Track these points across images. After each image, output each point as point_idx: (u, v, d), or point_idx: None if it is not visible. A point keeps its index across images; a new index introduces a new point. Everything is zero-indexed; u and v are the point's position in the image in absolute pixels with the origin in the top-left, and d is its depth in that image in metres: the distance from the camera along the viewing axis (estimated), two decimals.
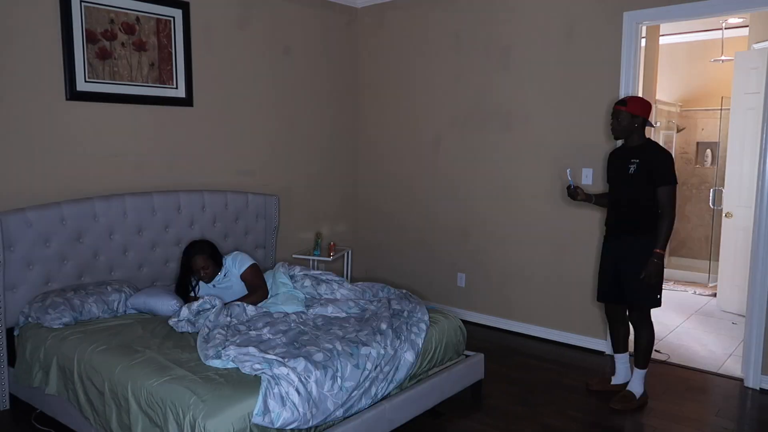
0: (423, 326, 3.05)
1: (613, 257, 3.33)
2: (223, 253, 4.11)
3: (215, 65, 4.17)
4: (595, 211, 4.04)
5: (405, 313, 3.17)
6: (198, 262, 3.41)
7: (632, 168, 3.18)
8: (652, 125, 3.35)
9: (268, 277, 3.61)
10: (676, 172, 3.19)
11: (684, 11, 3.61)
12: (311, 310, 3.27)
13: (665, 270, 6.37)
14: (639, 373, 3.32)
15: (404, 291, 3.54)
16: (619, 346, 3.48)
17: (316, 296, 3.50)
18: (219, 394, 2.27)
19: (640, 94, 4.23)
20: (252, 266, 3.52)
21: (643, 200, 3.17)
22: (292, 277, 3.64)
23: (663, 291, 3.28)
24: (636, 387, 3.31)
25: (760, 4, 3.43)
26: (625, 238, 3.27)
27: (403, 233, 5.15)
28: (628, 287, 3.25)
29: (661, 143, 6.39)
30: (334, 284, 3.59)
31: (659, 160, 3.14)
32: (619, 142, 3.47)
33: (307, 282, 3.58)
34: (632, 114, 3.17)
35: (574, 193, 3.43)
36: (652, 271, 3.11)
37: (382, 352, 2.76)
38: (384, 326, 2.97)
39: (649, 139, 3.27)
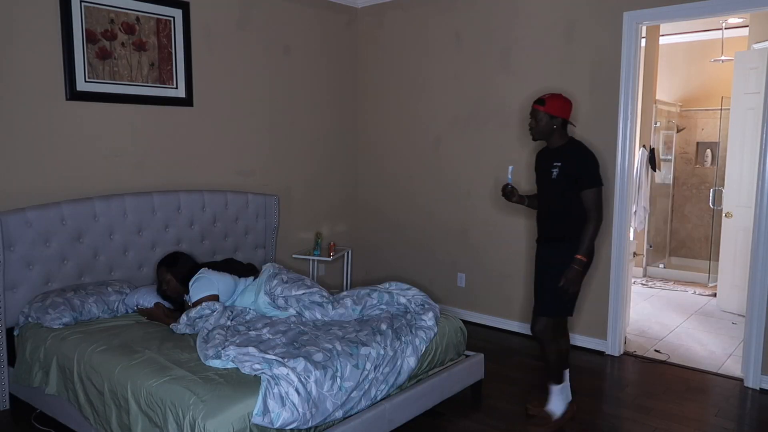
0: (431, 334, 3.04)
1: (539, 265, 3.08)
2: (226, 253, 4.13)
3: (215, 65, 4.17)
4: None
5: (408, 315, 3.17)
6: (158, 272, 3.36)
7: (555, 172, 2.95)
8: (573, 125, 3.11)
9: (250, 295, 3.32)
10: (604, 174, 3.01)
11: (684, 11, 3.61)
12: (307, 313, 3.24)
13: (665, 270, 6.45)
14: (554, 390, 3.05)
15: (410, 300, 3.30)
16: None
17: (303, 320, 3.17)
18: (219, 394, 2.27)
19: (640, 94, 4.23)
20: (199, 300, 3.18)
21: (568, 205, 2.93)
22: (273, 299, 3.25)
23: (576, 300, 3.03)
24: (554, 406, 3.05)
25: (760, 4, 3.43)
26: (552, 244, 3.01)
27: (403, 233, 5.15)
28: (542, 292, 3.02)
29: (661, 143, 6.48)
30: (317, 311, 3.18)
31: (581, 163, 2.91)
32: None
33: (292, 311, 3.20)
34: (551, 114, 2.93)
35: (510, 193, 3.17)
36: (570, 278, 2.86)
37: (382, 352, 2.76)
38: (384, 327, 2.97)
39: (571, 138, 3.01)
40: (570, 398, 3.12)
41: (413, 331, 3.01)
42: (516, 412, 3.21)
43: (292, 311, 3.18)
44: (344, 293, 3.40)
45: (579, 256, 2.86)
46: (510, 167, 3.23)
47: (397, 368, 2.81)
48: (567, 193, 2.93)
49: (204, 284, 3.24)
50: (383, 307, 3.28)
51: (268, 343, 2.73)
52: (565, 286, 2.88)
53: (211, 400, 2.23)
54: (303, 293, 3.25)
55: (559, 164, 2.94)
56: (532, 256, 4.38)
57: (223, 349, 2.60)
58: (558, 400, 3.06)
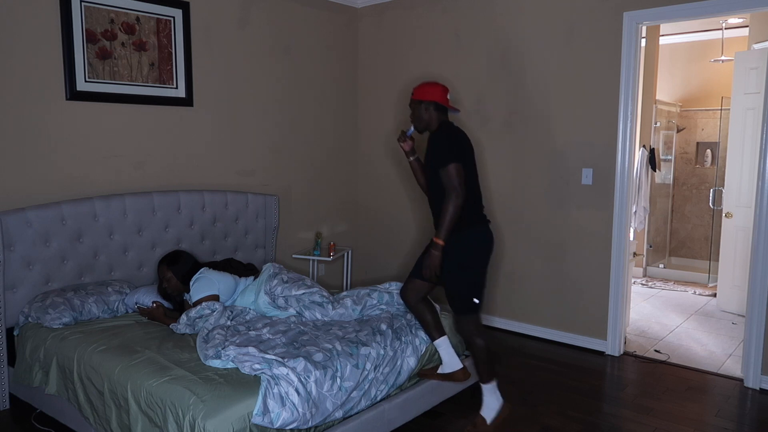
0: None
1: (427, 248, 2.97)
2: (226, 253, 4.13)
3: (215, 65, 4.17)
4: (596, 211, 4.04)
5: (408, 315, 3.17)
6: (159, 270, 3.38)
7: (425, 158, 2.95)
8: (452, 108, 2.99)
9: (250, 295, 3.33)
10: (461, 152, 2.86)
11: (684, 11, 3.61)
12: (307, 313, 3.24)
13: (665, 270, 6.45)
14: (485, 390, 2.91)
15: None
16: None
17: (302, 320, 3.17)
18: (218, 394, 2.27)
19: (640, 94, 4.23)
20: (199, 299, 3.20)
21: (441, 191, 2.83)
22: (273, 299, 3.25)
23: (481, 295, 2.91)
24: (486, 409, 2.92)
25: (760, 4, 3.43)
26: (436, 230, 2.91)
27: (403, 233, 5.15)
28: (446, 288, 2.94)
29: (661, 143, 6.48)
30: (317, 311, 3.19)
31: (434, 143, 2.85)
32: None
33: (292, 311, 3.20)
34: (419, 101, 2.92)
35: (403, 138, 3.06)
36: (429, 264, 2.79)
37: (382, 352, 2.76)
38: (384, 326, 2.97)
39: (443, 122, 2.94)
40: (501, 400, 2.95)
41: (413, 332, 3.01)
42: (516, 412, 3.21)
43: (292, 311, 3.18)
44: (344, 293, 3.41)
45: (436, 239, 2.76)
46: (412, 126, 3.07)
47: (397, 368, 2.82)
48: (434, 179, 2.87)
49: (205, 284, 3.25)
50: (383, 307, 3.28)
51: (268, 343, 2.73)
52: (426, 271, 2.82)
53: (211, 400, 2.23)
54: (303, 293, 3.26)
55: (426, 149, 2.93)
56: (532, 257, 4.42)
57: (222, 349, 2.60)
58: (490, 401, 2.91)
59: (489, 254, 2.95)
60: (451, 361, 3.01)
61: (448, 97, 3.00)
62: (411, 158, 3.11)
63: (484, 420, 2.90)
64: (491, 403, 2.91)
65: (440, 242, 2.76)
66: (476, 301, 2.89)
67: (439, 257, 2.79)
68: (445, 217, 2.74)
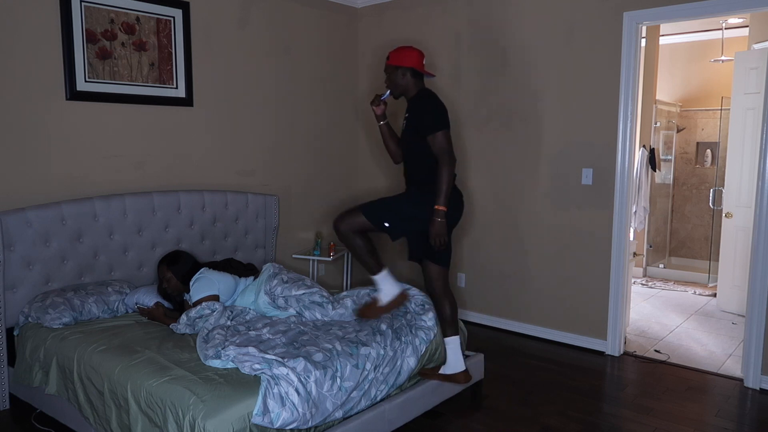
0: (431, 334, 3.04)
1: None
2: (226, 253, 4.12)
3: (215, 65, 4.17)
4: (596, 211, 4.04)
5: (408, 315, 3.17)
6: (159, 270, 3.39)
7: (404, 123, 2.96)
8: (427, 74, 3.00)
9: (250, 295, 3.32)
10: (450, 121, 2.92)
11: (684, 11, 3.61)
12: (307, 313, 3.24)
13: (665, 270, 6.45)
14: (378, 279, 2.97)
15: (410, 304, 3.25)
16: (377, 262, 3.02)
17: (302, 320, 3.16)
18: (218, 394, 2.27)
19: (640, 94, 4.23)
20: (199, 299, 3.19)
21: (421, 156, 2.88)
22: (273, 299, 3.24)
23: (395, 227, 2.94)
24: (383, 294, 2.98)
25: (760, 4, 3.43)
26: (411, 189, 3.01)
27: None
28: (417, 242, 3.00)
29: (661, 143, 6.48)
30: (317, 311, 3.19)
31: (424, 110, 2.86)
32: None
33: (292, 311, 3.19)
34: (395, 66, 2.93)
35: (377, 103, 3.07)
36: (435, 232, 2.81)
37: (382, 352, 2.76)
38: (384, 327, 2.97)
39: (422, 89, 2.98)
40: (398, 287, 3.04)
41: (413, 332, 3.01)
42: (516, 412, 3.21)
43: (292, 311, 3.18)
44: (344, 293, 3.41)
45: (438, 207, 2.79)
46: (388, 91, 3.08)
47: (397, 368, 2.82)
48: (416, 144, 2.91)
49: (205, 284, 3.24)
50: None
51: (268, 343, 2.73)
52: (434, 241, 2.83)
53: (211, 400, 2.23)
54: (303, 293, 3.26)
55: (407, 115, 2.95)
56: (532, 256, 4.42)
57: (222, 349, 2.60)
58: (386, 287, 2.99)
59: (461, 210, 3.01)
60: (455, 362, 3.02)
61: (424, 62, 3.00)
62: (381, 122, 3.14)
63: (377, 300, 2.97)
64: (388, 290, 2.96)
65: (442, 208, 2.79)
66: (386, 224, 2.91)
67: (444, 224, 2.81)
68: (442, 184, 2.77)
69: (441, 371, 3.02)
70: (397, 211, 2.95)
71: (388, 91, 3.06)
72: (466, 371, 3.03)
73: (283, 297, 3.23)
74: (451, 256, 3.08)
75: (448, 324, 3.02)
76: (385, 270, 2.99)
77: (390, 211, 2.94)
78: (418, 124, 2.87)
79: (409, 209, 2.96)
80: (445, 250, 2.96)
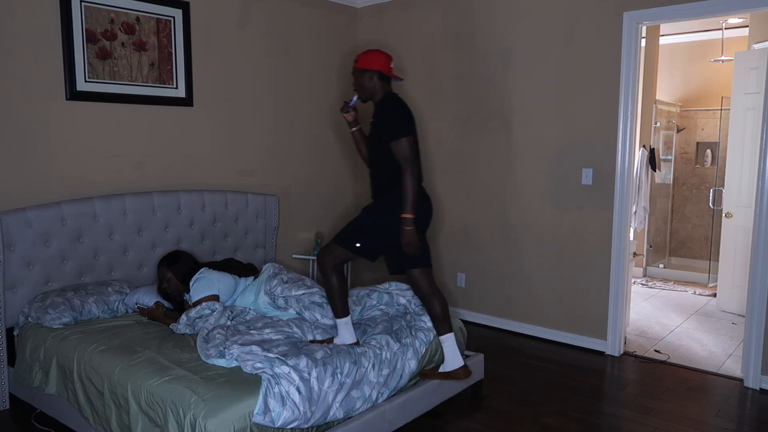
0: (431, 335, 3.03)
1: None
2: (226, 253, 4.13)
3: (215, 65, 4.17)
4: (596, 211, 4.04)
5: (408, 316, 3.17)
6: (159, 270, 3.39)
7: (370, 128, 2.91)
8: (395, 77, 2.96)
9: (250, 295, 3.33)
10: (415, 127, 2.88)
11: (684, 11, 3.61)
12: (307, 313, 3.23)
13: (665, 270, 6.45)
14: (340, 324, 2.89)
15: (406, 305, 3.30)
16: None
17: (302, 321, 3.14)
18: (219, 393, 2.27)
19: (640, 94, 4.23)
20: (199, 299, 3.20)
21: (386, 161, 2.84)
22: (273, 299, 3.25)
23: (366, 248, 2.90)
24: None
25: (760, 4, 3.43)
26: (378, 201, 2.96)
27: None
28: (393, 255, 2.95)
29: (661, 143, 6.49)
30: (317, 311, 3.16)
31: (385, 115, 2.83)
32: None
33: (292, 311, 3.19)
34: (362, 69, 2.89)
35: (346, 109, 3.06)
36: (405, 241, 2.78)
37: (381, 353, 2.77)
38: (382, 329, 2.98)
39: (388, 93, 2.94)
40: (353, 338, 2.92)
41: (413, 333, 3.00)
42: (516, 412, 3.21)
43: (292, 311, 3.18)
44: None
45: (405, 215, 2.75)
46: (355, 97, 3.06)
47: (398, 372, 2.82)
48: (380, 150, 2.88)
49: (205, 284, 3.24)
50: (383, 307, 3.28)
51: (271, 342, 2.73)
52: (407, 249, 2.81)
53: (212, 400, 2.23)
54: (303, 293, 3.25)
55: (372, 119, 2.90)
56: (532, 256, 4.42)
57: (225, 348, 2.60)
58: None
59: (430, 219, 2.97)
60: (453, 358, 3.00)
61: (392, 66, 2.98)
62: (353, 129, 3.12)
63: (333, 342, 2.88)
64: (346, 337, 2.87)
65: (410, 215, 2.76)
66: (357, 245, 2.87)
67: (413, 231, 2.78)
68: (407, 192, 2.75)
69: (440, 370, 3.02)
70: (362, 229, 2.92)
71: (356, 96, 3.02)
72: (465, 366, 3.02)
73: (283, 297, 3.23)
74: (429, 254, 3.04)
75: (440, 322, 3.00)
76: (349, 317, 2.93)
77: (356, 232, 2.91)
78: (382, 130, 2.85)
79: (371, 223, 2.91)
80: (422, 252, 2.93)
